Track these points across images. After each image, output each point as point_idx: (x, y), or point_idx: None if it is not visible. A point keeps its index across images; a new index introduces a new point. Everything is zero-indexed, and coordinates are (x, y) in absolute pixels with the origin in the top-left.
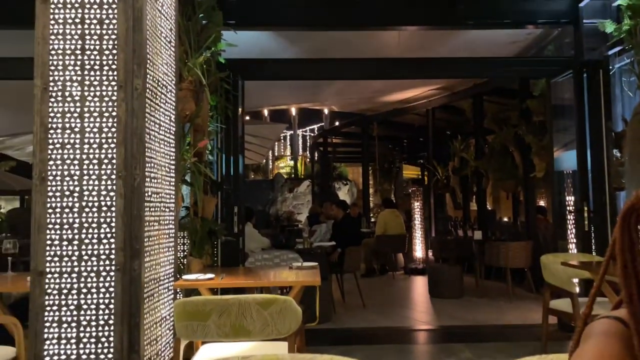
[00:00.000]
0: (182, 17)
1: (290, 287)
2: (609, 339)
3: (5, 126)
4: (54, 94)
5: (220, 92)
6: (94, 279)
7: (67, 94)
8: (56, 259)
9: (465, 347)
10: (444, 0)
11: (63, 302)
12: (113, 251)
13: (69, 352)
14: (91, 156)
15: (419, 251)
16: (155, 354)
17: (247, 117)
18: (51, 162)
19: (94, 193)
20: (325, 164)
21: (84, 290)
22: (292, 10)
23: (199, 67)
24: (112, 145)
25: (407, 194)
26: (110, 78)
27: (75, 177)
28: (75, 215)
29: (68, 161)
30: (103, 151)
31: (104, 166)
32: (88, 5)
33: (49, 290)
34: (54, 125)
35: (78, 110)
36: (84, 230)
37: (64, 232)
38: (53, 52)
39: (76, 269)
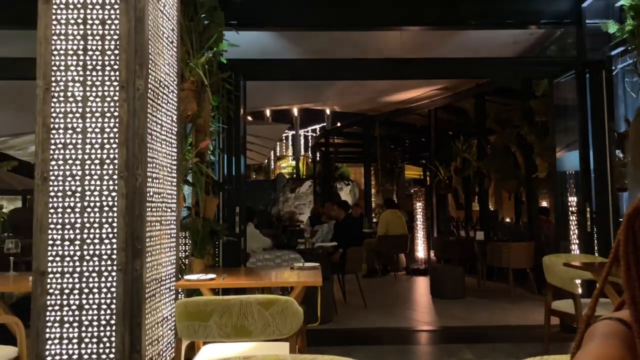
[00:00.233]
0: (184, 18)
1: (292, 288)
2: (611, 341)
3: (8, 126)
4: (56, 94)
5: (222, 93)
6: (96, 279)
7: (69, 94)
8: (58, 258)
9: (466, 348)
10: (447, 0)
11: (65, 302)
12: (115, 251)
13: (70, 352)
14: (93, 156)
15: (420, 252)
16: (156, 354)
17: (249, 118)
18: (53, 162)
19: (96, 193)
20: (327, 164)
21: (86, 290)
22: (294, 10)
23: (200, 67)
24: (114, 146)
25: (409, 195)
26: (112, 78)
27: (77, 177)
28: (77, 215)
29: (70, 161)
30: (105, 151)
31: (105, 166)
32: (90, 6)
33: (50, 290)
34: (56, 126)
35: (80, 110)
36: (86, 230)
37: (66, 232)
38: (55, 52)
39: (78, 269)
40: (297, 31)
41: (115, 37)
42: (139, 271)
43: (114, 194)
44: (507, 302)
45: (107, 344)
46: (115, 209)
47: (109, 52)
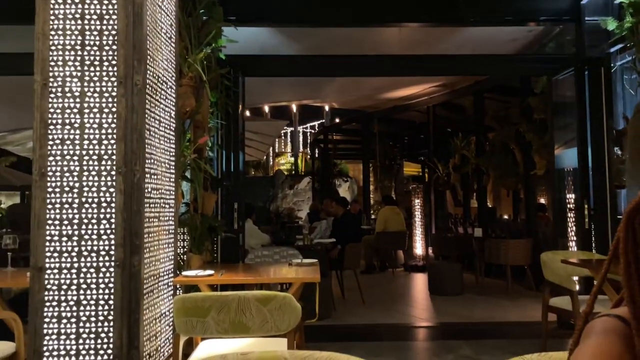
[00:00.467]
0: (182, 13)
1: (290, 284)
2: (609, 337)
3: (6, 122)
4: (53, 90)
5: (221, 89)
6: (94, 275)
7: (67, 89)
8: (56, 254)
9: (464, 344)
10: None
11: (63, 298)
12: (113, 247)
13: (68, 347)
14: (91, 152)
15: (419, 248)
16: (154, 349)
17: (248, 114)
18: (51, 158)
19: (94, 189)
20: (326, 160)
21: (84, 286)
22: (293, 6)
23: (199, 63)
24: (112, 141)
25: (407, 191)
26: (110, 74)
27: (75, 173)
28: (75, 211)
29: (68, 157)
30: (103, 147)
31: (103, 162)
32: (88, 1)
33: (48, 286)
34: (54, 121)
35: (78, 106)
36: (84, 226)
37: (64, 227)
38: (53, 47)
39: (76, 265)
40: (296, 27)
41: (113, 32)
42: (137, 267)
43: (112, 189)
44: (504, 298)
45: (105, 340)
46: (113, 204)
47: (107, 48)
